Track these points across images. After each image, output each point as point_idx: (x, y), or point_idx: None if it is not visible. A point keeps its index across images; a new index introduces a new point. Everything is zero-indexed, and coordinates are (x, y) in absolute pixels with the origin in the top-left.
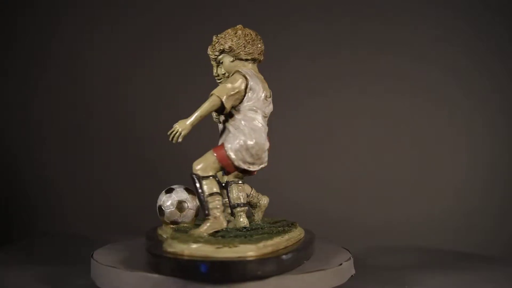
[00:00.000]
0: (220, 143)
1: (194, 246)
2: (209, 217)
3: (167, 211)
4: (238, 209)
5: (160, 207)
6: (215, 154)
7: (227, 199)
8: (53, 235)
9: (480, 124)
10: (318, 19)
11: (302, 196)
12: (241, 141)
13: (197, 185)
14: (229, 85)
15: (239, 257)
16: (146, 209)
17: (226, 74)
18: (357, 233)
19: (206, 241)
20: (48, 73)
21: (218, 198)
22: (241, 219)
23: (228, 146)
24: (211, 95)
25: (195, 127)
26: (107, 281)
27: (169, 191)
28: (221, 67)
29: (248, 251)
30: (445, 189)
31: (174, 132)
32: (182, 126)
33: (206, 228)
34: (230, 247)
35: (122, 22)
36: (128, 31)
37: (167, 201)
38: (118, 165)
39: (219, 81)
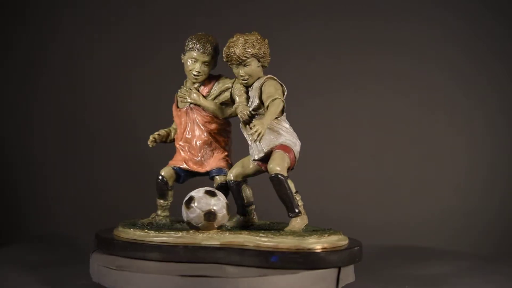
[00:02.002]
0: (266, 144)
1: (325, 239)
2: (299, 214)
3: (220, 215)
4: (253, 206)
5: (211, 212)
6: (287, 155)
7: (163, 201)
8: (52, 235)
9: (480, 124)
10: (318, 19)
11: (302, 196)
12: (298, 143)
13: (284, 185)
14: (280, 91)
15: (346, 243)
16: (146, 209)
17: (246, 77)
18: (357, 233)
19: (326, 233)
20: (48, 73)
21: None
22: (255, 216)
23: (294, 147)
24: (275, 99)
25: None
26: (108, 281)
27: (213, 194)
28: (207, 65)
29: (344, 240)
30: (445, 189)
31: (258, 132)
32: (263, 127)
33: (300, 224)
34: (340, 236)
35: (122, 22)
36: (128, 31)
37: (218, 205)
38: (118, 165)
39: (197, 77)
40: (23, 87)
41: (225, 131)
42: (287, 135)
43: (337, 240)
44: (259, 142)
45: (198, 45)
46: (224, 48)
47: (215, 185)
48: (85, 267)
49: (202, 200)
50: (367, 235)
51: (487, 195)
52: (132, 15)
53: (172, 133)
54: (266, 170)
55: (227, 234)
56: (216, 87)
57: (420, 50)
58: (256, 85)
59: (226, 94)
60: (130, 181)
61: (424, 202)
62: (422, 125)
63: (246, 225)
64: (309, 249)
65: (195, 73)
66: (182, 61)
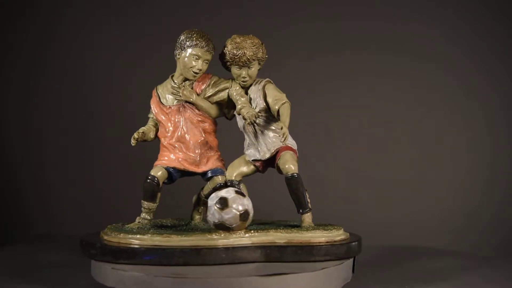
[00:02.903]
0: (272, 145)
1: (340, 232)
2: (310, 210)
3: (251, 215)
4: None
5: (247, 212)
6: (295, 155)
7: (151, 204)
8: (52, 235)
9: (480, 124)
10: (318, 18)
11: None
12: (295, 144)
13: (301, 183)
14: (284, 94)
15: (348, 237)
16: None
17: (247, 79)
18: (357, 233)
19: (336, 227)
20: (48, 73)
21: None
22: None
23: (295, 148)
24: (284, 102)
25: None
26: (108, 281)
27: (243, 194)
28: (207, 63)
29: (346, 233)
30: (445, 189)
31: (286, 134)
32: (287, 129)
33: (311, 219)
34: (343, 230)
35: (122, 22)
36: (128, 31)
37: (250, 205)
38: (118, 165)
39: (196, 75)
40: (23, 87)
41: (215, 130)
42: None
43: (343, 233)
44: (285, 143)
45: (202, 42)
46: (230, 49)
47: (212, 185)
48: (86, 267)
49: (237, 201)
50: (367, 235)
51: (487, 195)
52: (132, 15)
53: (154, 131)
54: (262, 170)
55: (255, 233)
56: (211, 86)
57: (420, 50)
58: (256, 87)
59: (223, 94)
60: (130, 181)
61: (424, 202)
62: (422, 125)
63: None
64: (335, 241)
65: (196, 71)
66: (178, 57)
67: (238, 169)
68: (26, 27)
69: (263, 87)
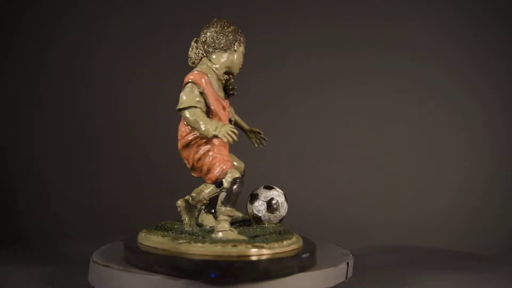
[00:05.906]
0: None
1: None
2: None
3: None
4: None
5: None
6: None
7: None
8: (52, 235)
9: (480, 124)
10: (318, 18)
11: (302, 196)
12: None
13: None
14: None
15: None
16: (146, 209)
17: None
18: (357, 233)
19: None
20: (48, 73)
21: None
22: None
23: None
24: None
25: None
26: (106, 282)
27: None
28: None
29: None
30: (445, 189)
31: None
32: None
33: None
34: None
35: (122, 22)
36: (128, 31)
37: None
38: (118, 165)
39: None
40: (23, 87)
41: None
42: None
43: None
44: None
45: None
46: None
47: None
48: (85, 267)
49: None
50: (367, 235)
51: (487, 195)
52: (132, 15)
53: None
54: None
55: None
56: None
57: (420, 50)
58: None
59: None
60: (130, 180)
61: (424, 202)
62: (422, 125)
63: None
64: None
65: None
66: (235, 49)
67: None
68: (26, 27)
69: None
